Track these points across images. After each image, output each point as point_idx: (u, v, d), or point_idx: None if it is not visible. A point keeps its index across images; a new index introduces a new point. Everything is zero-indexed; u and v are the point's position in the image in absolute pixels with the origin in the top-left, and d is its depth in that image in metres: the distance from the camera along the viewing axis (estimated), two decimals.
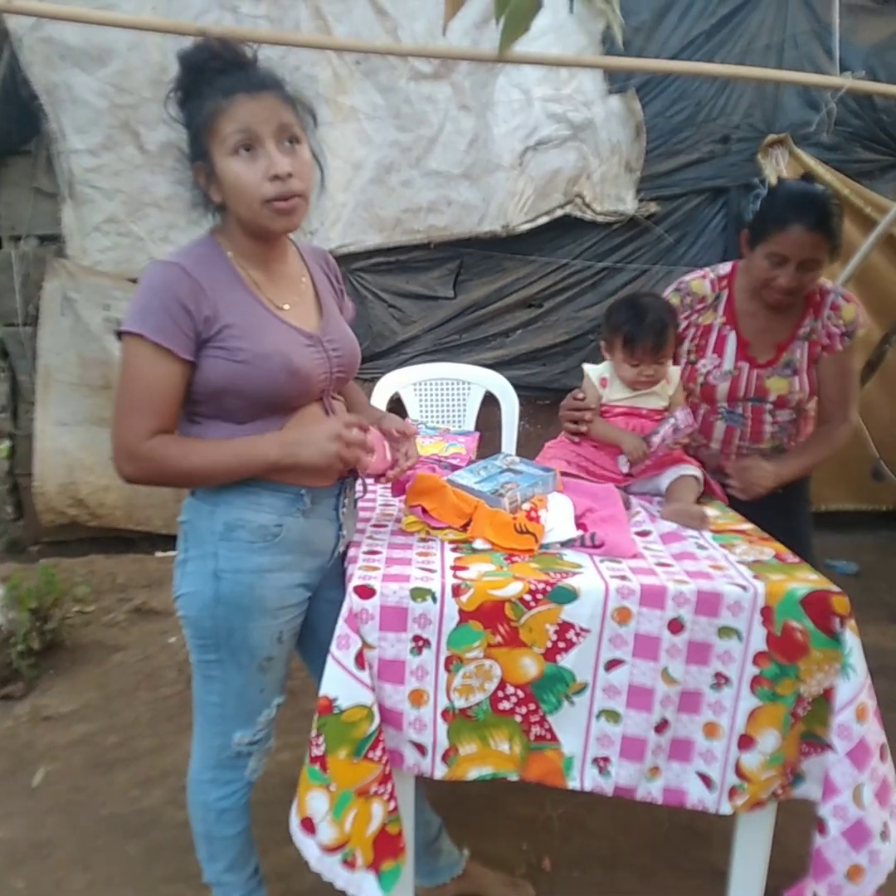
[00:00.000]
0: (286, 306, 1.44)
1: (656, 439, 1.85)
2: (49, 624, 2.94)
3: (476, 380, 2.93)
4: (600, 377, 1.99)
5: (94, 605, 3.34)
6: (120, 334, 1.34)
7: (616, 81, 3.50)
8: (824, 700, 1.41)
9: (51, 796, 2.29)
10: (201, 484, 1.41)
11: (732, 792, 1.44)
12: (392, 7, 3.38)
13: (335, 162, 3.52)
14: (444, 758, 1.44)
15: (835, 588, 1.41)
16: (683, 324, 2.08)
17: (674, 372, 1.98)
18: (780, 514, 1.89)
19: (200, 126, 1.32)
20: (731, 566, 1.50)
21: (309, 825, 1.41)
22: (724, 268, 2.12)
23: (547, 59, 2.90)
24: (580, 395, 1.99)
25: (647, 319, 1.87)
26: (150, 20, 3.13)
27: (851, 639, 1.38)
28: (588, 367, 2.02)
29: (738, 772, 1.43)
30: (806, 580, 1.43)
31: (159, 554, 3.85)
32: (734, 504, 1.92)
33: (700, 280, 2.11)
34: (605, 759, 1.45)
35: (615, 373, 1.96)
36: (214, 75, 1.32)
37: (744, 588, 1.40)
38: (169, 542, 3.82)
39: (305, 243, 1.58)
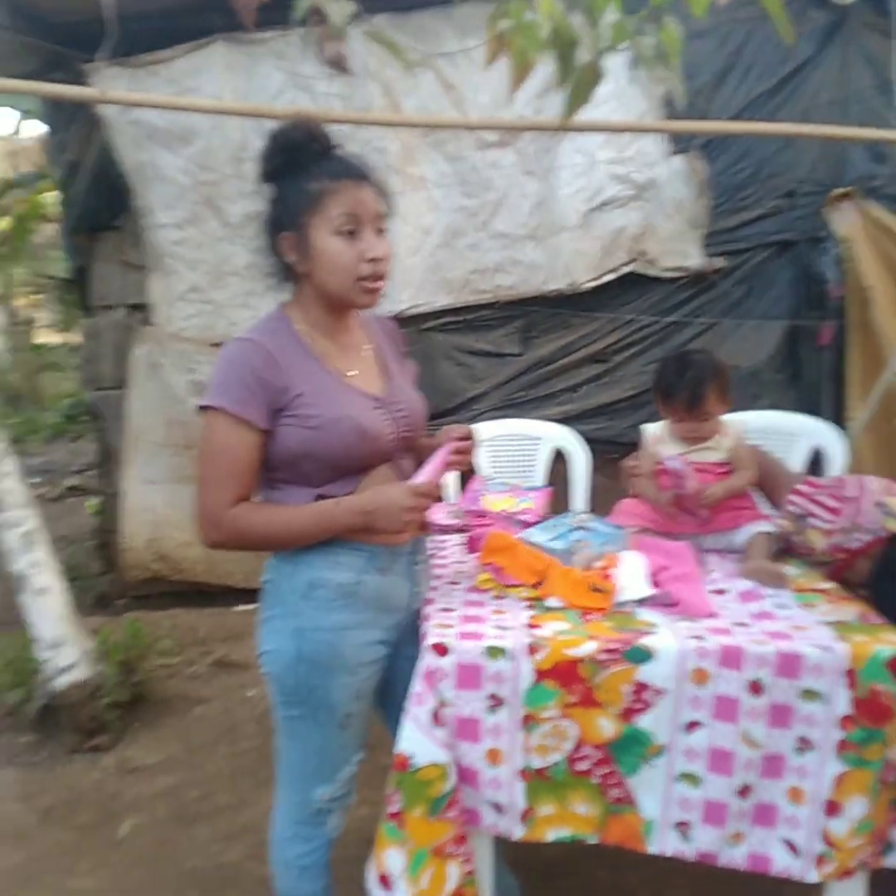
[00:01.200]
0: (351, 373, 1.52)
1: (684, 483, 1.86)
2: (135, 676, 3.04)
3: (545, 435, 2.97)
4: (655, 436, 2.01)
5: (177, 658, 3.43)
6: (202, 408, 1.43)
7: (679, 142, 3.56)
8: None
9: (136, 848, 2.34)
10: (281, 549, 1.48)
11: (819, 860, 1.40)
12: (458, 80, 3.52)
13: (405, 228, 3.65)
14: (523, 818, 1.44)
15: None
16: None
17: (732, 423, 1.97)
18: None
19: (303, 202, 1.42)
20: (813, 626, 1.47)
21: (386, 882, 1.42)
22: None
23: (609, 124, 2.98)
24: (632, 462, 2.02)
25: (685, 375, 1.88)
26: (234, 104, 3.35)
27: None
28: (646, 427, 2.04)
29: (825, 839, 1.39)
30: (890, 642, 1.40)
31: (238, 608, 3.94)
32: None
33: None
34: (686, 824, 1.43)
35: (669, 429, 1.99)
36: (315, 156, 1.43)
37: (826, 650, 1.38)
38: (248, 595, 3.91)
39: (367, 312, 1.65)
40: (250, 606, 3.85)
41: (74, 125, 3.70)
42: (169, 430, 3.84)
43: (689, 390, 1.87)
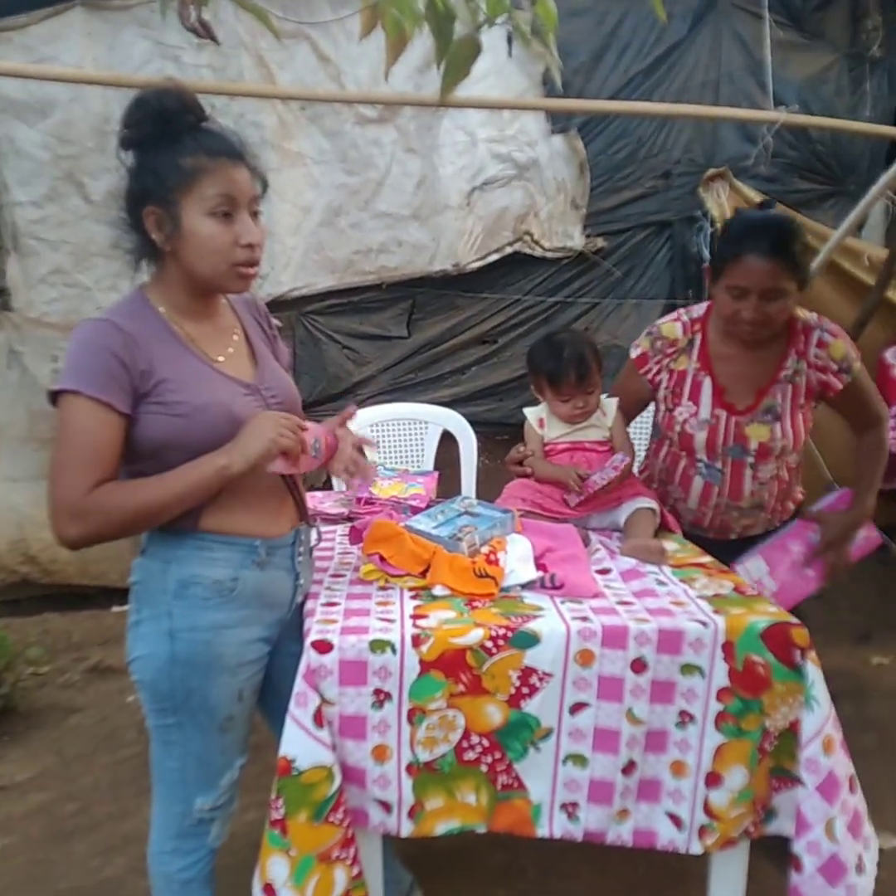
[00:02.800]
0: (220, 358, 1.44)
1: (595, 480, 1.86)
2: (1, 689, 2.84)
3: (433, 419, 2.93)
4: (538, 418, 2.03)
5: (48, 666, 3.23)
6: (55, 395, 1.31)
7: (558, 122, 3.58)
8: (791, 734, 1.40)
9: (8, 871, 2.19)
10: (154, 522, 1.35)
11: (702, 831, 1.42)
12: (334, 53, 3.42)
13: (283, 206, 3.52)
14: (411, 814, 1.40)
15: (793, 620, 1.41)
16: (655, 369, 1.99)
17: (609, 403, 2.00)
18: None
19: (174, 177, 1.31)
20: (692, 601, 1.49)
21: (271, 892, 1.36)
22: (698, 310, 1.99)
23: (488, 101, 2.95)
24: (522, 447, 2.02)
25: (564, 354, 1.91)
26: (95, 74, 3.14)
27: (813, 671, 1.38)
28: (528, 411, 2.05)
29: (707, 810, 1.42)
30: (765, 613, 1.43)
31: (116, 608, 3.75)
32: (713, 550, 1.83)
33: (672, 323, 1.99)
34: (574, 805, 1.43)
35: (550, 411, 1.99)
36: (189, 128, 1.34)
37: (704, 624, 1.40)
38: (125, 595, 3.71)
39: (234, 296, 1.56)
40: (128, 607, 3.68)
41: None
42: (32, 422, 3.60)
43: (574, 365, 1.89)
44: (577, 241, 3.69)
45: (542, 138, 3.57)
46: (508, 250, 3.69)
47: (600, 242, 3.69)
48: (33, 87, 3.31)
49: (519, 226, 3.65)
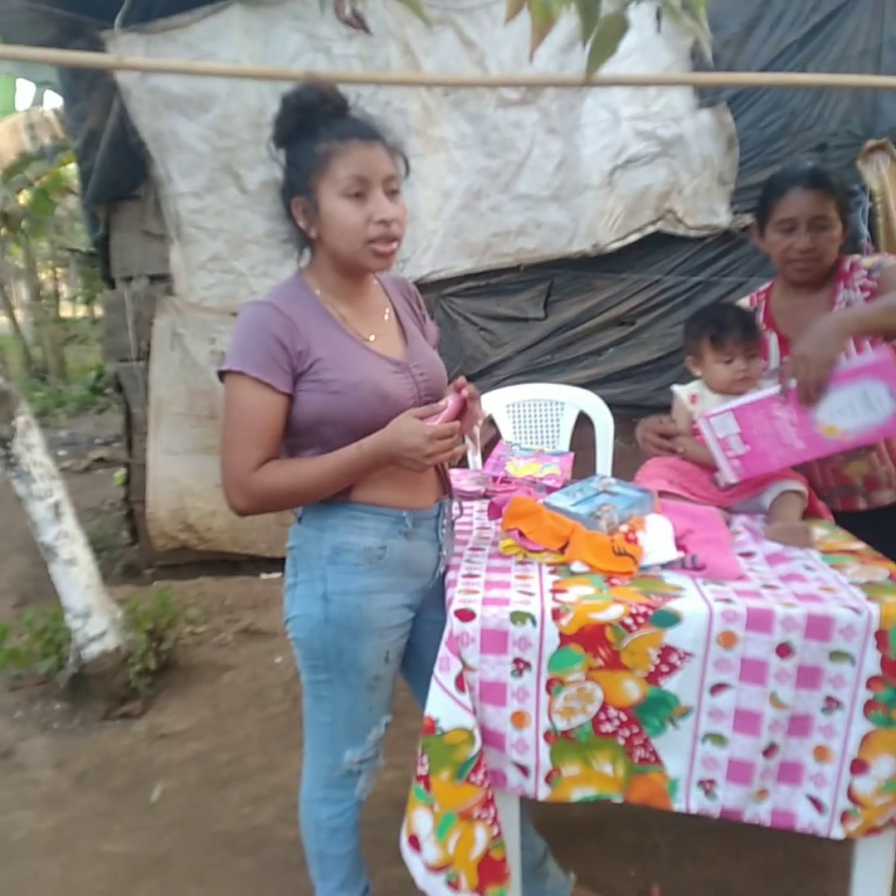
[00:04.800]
0: (372, 337, 1.50)
1: None
2: (164, 644, 3.09)
3: (569, 400, 2.93)
4: (690, 395, 1.96)
5: (204, 626, 3.48)
6: (222, 374, 1.42)
7: (706, 95, 3.46)
8: None
9: (168, 812, 2.39)
10: (311, 500, 1.45)
11: (845, 816, 1.39)
12: (479, 38, 3.45)
13: (425, 191, 3.60)
14: (548, 779, 1.44)
15: None
16: None
17: (765, 383, 1.91)
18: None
19: (311, 165, 1.39)
20: (843, 588, 1.44)
21: (415, 843, 1.43)
22: (763, 285, 2.16)
23: (635, 79, 2.90)
24: (666, 419, 1.99)
25: (728, 314, 1.90)
26: (252, 68, 3.30)
27: None
28: (677, 388, 2.00)
29: (851, 796, 1.38)
30: None
31: (264, 576, 3.98)
32: (843, 522, 1.85)
33: (742, 300, 2.15)
34: (711, 782, 1.43)
35: (706, 385, 1.94)
36: (326, 118, 1.40)
37: (857, 611, 1.35)
38: (273, 564, 3.95)
39: (386, 275, 1.63)
40: (275, 575, 3.90)
41: (92, 94, 3.67)
42: (191, 400, 3.86)
43: (740, 323, 1.87)
44: (723, 218, 3.56)
45: (689, 113, 3.47)
46: (650, 229, 3.61)
47: (748, 219, 3.54)
48: (195, 82, 3.52)
49: (661, 204, 3.57)
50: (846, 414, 1.65)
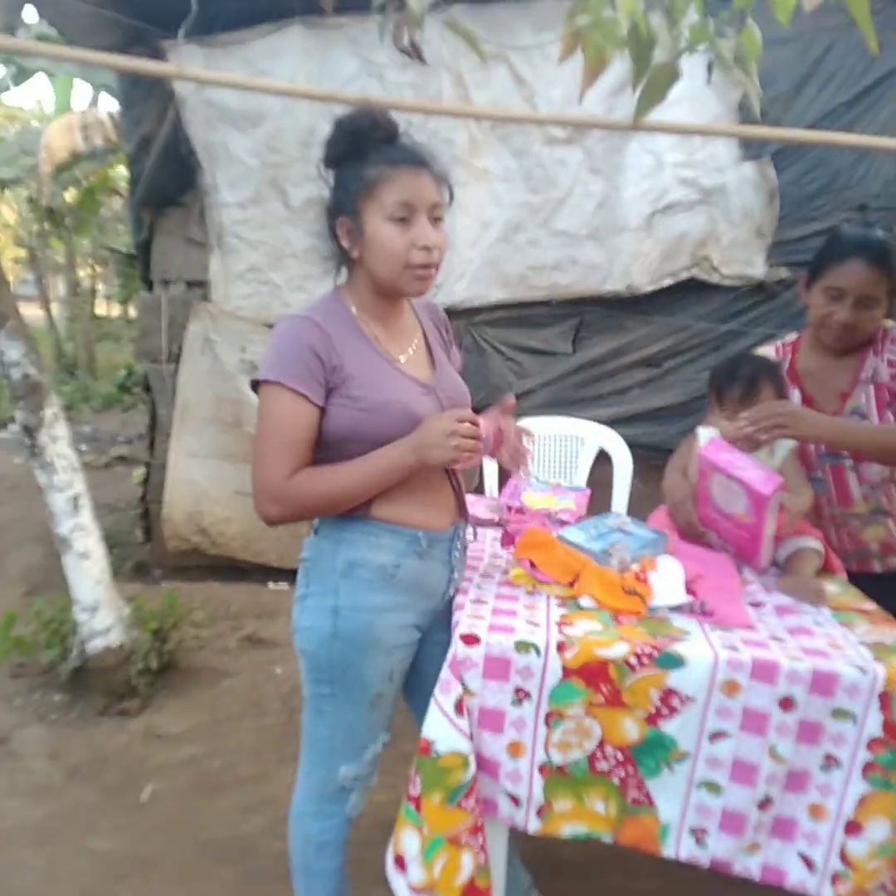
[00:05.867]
0: (402, 358, 1.53)
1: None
2: (167, 645, 3.10)
3: (590, 436, 2.94)
4: (708, 439, 1.96)
5: (208, 631, 3.48)
6: (256, 384, 1.44)
7: (751, 149, 3.49)
8: None
9: (156, 814, 2.39)
10: (344, 507, 1.46)
11: (835, 878, 1.38)
12: (531, 75, 3.50)
13: (465, 220, 3.64)
14: (539, 812, 1.43)
15: None
16: None
17: (781, 444, 1.91)
18: None
19: (359, 188, 1.42)
20: (850, 646, 1.44)
21: (401, 863, 1.43)
22: (791, 336, 2.14)
23: (681, 127, 2.93)
24: (672, 483, 1.98)
25: (739, 371, 1.89)
26: (307, 88, 3.37)
27: None
28: (701, 429, 2.00)
29: (843, 858, 1.37)
30: None
31: (272, 586, 3.99)
32: (857, 582, 1.84)
33: (766, 348, 2.14)
34: (703, 830, 1.42)
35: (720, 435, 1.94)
36: (378, 143, 1.44)
37: (863, 670, 1.35)
38: (281, 574, 3.96)
39: (418, 300, 1.66)
40: (283, 585, 3.91)
41: (149, 101, 3.76)
42: (218, 406, 3.90)
43: (743, 382, 1.87)
44: (758, 269, 3.58)
45: (732, 164, 3.50)
46: (684, 275, 3.63)
47: (784, 272, 3.57)
48: (249, 97, 3.60)
49: (698, 251, 3.59)
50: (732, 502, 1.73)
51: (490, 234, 3.70)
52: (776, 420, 1.72)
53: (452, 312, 3.75)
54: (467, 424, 1.42)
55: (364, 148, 1.43)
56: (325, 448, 1.46)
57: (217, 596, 3.84)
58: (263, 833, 2.29)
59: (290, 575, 1.61)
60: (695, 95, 3.32)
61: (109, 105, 6.70)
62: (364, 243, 1.44)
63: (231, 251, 3.84)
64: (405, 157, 1.43)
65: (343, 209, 1.45)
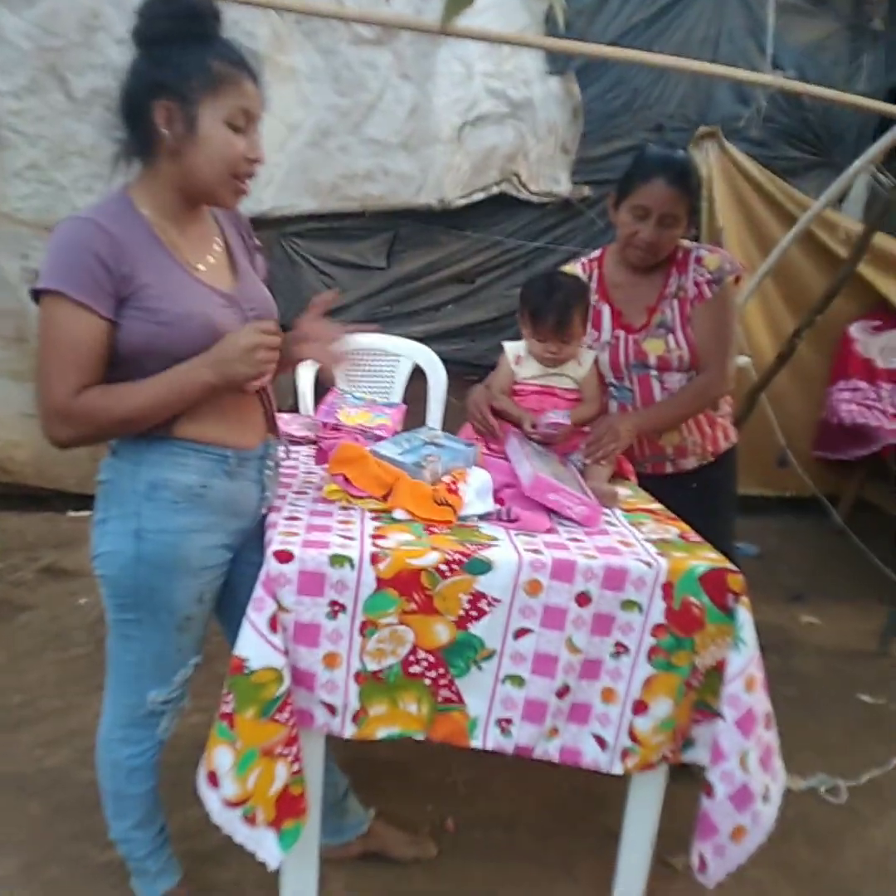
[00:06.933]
0: (201, 267, 1.44)
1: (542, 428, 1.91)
2: None
3: (405, 352, 2.95)
4: (516, 355, 2.03)
5: (0, 564, 3.25)
6: (37, 294, 1.31)
7: (556, 63, 3.53)
8: (716, 672, 1.49)
9: None
10: (137, 428, 1.37)
11: (625, 753, 1.52)
12: None
13: (271, 122, 3.37)
14: (355, 718, 1.47)
15: (731, 567, 1.49)
16: None
17: (587, 355, 2.02)
18: (697, 498, 1.97)
19: (202, 77, 1.30)
20: (639, 543, 1.56)
21: (213, 779, 1.42)
22: (595, 252, 2.24)
23: (489, 35, 2.89)
24: (507, 401, 2.02)
25: (553, 297, 1.92)
26: None
27: (744, 614, 1.46)
28: (508, 345, 2.06)
29: (631, 735, 1.51)
30: (705, 558, 1.51)
31: (71, 513, 3.76)
32: (650, 483, 2.00)
33: (572, 266, 2.22)
34: (508, 721, 1.51)
35: (528, 350, 2.01)
36: (214, 35, 1.33)
37: (648, 564, 1.47)
38: (82, 501, 3.72)
39: None
40: (84, 513, 3.69)
41: None
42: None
43: (556, 310, 1.90)
44: (563, 186, 3.67)
45: (538, 78, 3.53)
46: (495, 190, 3.67)
47: (587, 191, 3.68)
48: None
49: (507, 165, 3.63)
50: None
51: (298, 138, 3.54)
52: (607, 449, 1.87)
53: (261, 222, 3.60)
54: (272, 337, 1.37)
55: (204, 33, 1.32)
56: (119, 365, 1.36)
57: (10, 526, 3.57)
58: (71, 764, 2.21)
59: (91, 501, 1.51)
60: (502, 3, 3.30)
61: None
62: (192, 139, 1.32)
63: (7, 146, 3.42)
64: (244, 61, 1.34)
65: (167, 91, 1.30)
